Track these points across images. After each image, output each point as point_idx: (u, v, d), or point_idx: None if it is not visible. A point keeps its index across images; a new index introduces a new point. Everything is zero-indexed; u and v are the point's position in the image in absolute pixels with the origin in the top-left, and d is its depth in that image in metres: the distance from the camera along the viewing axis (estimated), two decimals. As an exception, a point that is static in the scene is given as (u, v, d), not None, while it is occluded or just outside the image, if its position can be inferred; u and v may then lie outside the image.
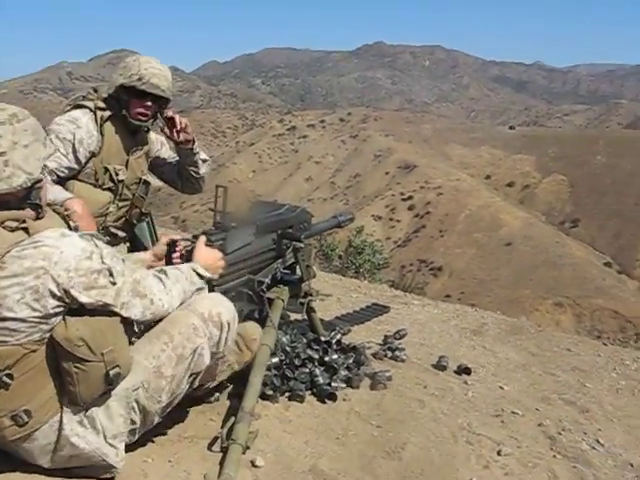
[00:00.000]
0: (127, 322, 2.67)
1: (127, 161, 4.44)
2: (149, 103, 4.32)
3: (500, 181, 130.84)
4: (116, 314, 2.59)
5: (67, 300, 2.44)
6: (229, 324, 3.03)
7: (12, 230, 2.43)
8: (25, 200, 2.51)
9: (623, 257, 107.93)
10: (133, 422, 2.76)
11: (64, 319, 2.46)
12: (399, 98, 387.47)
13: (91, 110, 4.27)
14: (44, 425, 2.53)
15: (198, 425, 3.27)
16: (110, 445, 2.67)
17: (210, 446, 3.11)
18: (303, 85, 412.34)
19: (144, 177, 4.61)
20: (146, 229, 4.74)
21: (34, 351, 2.43)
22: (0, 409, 2.45)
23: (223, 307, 3.03)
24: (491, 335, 6.02)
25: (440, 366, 4.76)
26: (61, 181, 4.12)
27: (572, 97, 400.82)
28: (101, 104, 4.31)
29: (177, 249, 3.36)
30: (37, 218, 2.55)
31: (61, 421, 2.56)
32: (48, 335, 2.45)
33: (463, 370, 4.73)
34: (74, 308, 2.47)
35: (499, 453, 3.52)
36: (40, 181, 2.56)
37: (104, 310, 2.55)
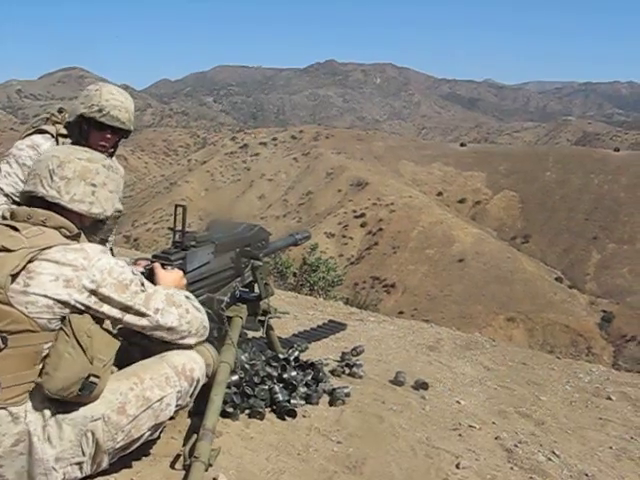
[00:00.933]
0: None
1: None
2: (109, 135, 4.30)
3: (452, 197, 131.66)
4: (149, 318, 2.85)
5: (98, 297, 2.69)
6: (199, 380, 3.15)
7: (66, 237, 2.76)
8: (88, 230, 2.93)
9: (573, 272, 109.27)
10: (83, 453, 2.73)
11: (82, 314, 2.65)
12: (350, 116, 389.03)
13: (53, 136, 4.26)
14: (1, 410, 2.55)
15: (159, 443, 3.26)
16: (52, 467, 2.66)
17: (172, 464, 3.12)
18: (255, 103, 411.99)
19: None
20: None
21: (35, 332, 2.56)
22: None
23: (196, 364, 3.13)
24: (447, 350, 6.10)
25: (398, 382, 4.81)
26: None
27: (522, 114, 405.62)
28: (63, 130, 4.28)
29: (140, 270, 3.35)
30: None
31: (19, 416, 2.58)
32: (53, 324, 2.60)
33: (420, 385, 4.79)
34: (100, 312, 2.70)
35: (458, 466, 3.57)
36: (104, 223, 3.02)
37: (134, 314, 2.81)
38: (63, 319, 2.60)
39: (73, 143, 4.22)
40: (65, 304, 2.60)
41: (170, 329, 2.93)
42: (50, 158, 2.84)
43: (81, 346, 2.59)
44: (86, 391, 2.63)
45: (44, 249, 2.62)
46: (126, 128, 4.33)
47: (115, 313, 2.74)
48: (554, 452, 3.97)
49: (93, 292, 2.66)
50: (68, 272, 2.62)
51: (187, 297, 3.08)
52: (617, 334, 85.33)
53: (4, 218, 2.81)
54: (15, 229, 2.68)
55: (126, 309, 2.76)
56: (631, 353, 73.65)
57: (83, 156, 2.90)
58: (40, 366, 2.59)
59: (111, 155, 4.62)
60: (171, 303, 2.92)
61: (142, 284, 2.85)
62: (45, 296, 2.56)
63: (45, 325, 2.57)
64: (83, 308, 2.64)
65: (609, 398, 5.22)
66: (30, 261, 2.58)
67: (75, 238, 2.79)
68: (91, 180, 2.86)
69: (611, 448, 4.21)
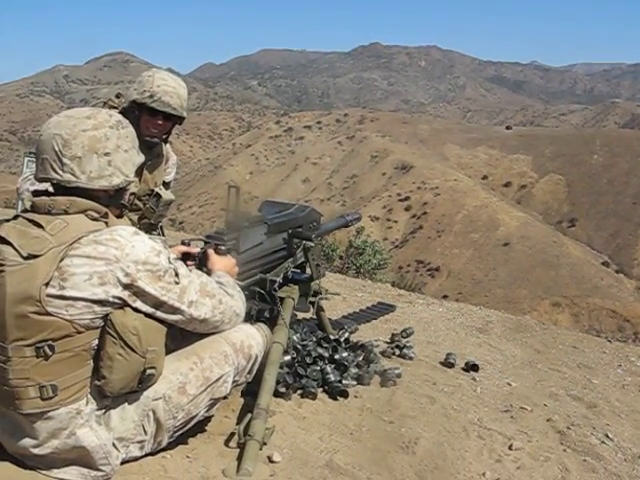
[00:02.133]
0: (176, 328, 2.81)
1: (141, 174, 4.46)
2: (160, 121, 4.32)
3: (497, 181, 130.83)
4: (183, 313, 2.75)
5: (131, 290, 2.57)
6: (257, 357, 3.17)
7: (93, 219, 2.60)
8: (114, 199, 2.74)
9: (621, 256, 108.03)
10: (145, 432, 2.77)
11: (123, 309, 2.57)
12: (395, 99, 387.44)
13: None
14: (63, 407, 2.55)
15: (213, 422, 3.29)
16: (114, 445, 2.69)
17: (227, 442, 3.15)
18: (299, 86, 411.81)
19: (156, 189, 4.62)
20: None
21: (80, 332, 2.51)
22: (30, 378, 2.49)
23: (254, 340, 3.15)
24: (496, 333, 6.08)
25: (448, 363, 4.81)
26: None
27: (569, 97, 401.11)
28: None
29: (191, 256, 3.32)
30: (118, 216, 2.75)
31: (81, 410, 2.59)
32: (97, 322, 2.54)
33: (471, 367, 4.78)
34: (133, 307, 2.60)
35: (510, 447, 3.57)
36: (130, 184, 2.78)
37: (167, 310, 2.69)
38: (106, 316, 2.55)
39: None
40: (104, 302, 2.52)
41: (203, 321, 2.86)
42: (53, 137, 2.59)
43: (130, 346, 2.55)
44: (145, 383, 2.67)
45: (73, 243, 2.49)
46: (177, 114, 4.32)
47: (147, 309, 2.64)
48: (607, 435, 3.95)
49: (127, 286, 2.56)
50: (101, 267, 2.50)
51: (220, 283, 3.01)
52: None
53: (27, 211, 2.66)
54: (38, 225, 2.54)
55: (159, 304, 2.66)
56: (679, 339, 72.59)
57: (87, 125, 2.62)
58: (91, 361, 2.58)
59: (165, 141, 4.66)
60: (205, 294, 2.83)
61: (176, 274, 2.70)
62: (82, 299, 2.48)
63: (88, 325, 2.52)
64: (121, 302, 2.57)
65: (662, 383, 5.17)
66: (61, 259, 2.48)
67: (104, 217, 2.63)
68: (103, 150, 2.62)
69: (665, 433, 4.17)
